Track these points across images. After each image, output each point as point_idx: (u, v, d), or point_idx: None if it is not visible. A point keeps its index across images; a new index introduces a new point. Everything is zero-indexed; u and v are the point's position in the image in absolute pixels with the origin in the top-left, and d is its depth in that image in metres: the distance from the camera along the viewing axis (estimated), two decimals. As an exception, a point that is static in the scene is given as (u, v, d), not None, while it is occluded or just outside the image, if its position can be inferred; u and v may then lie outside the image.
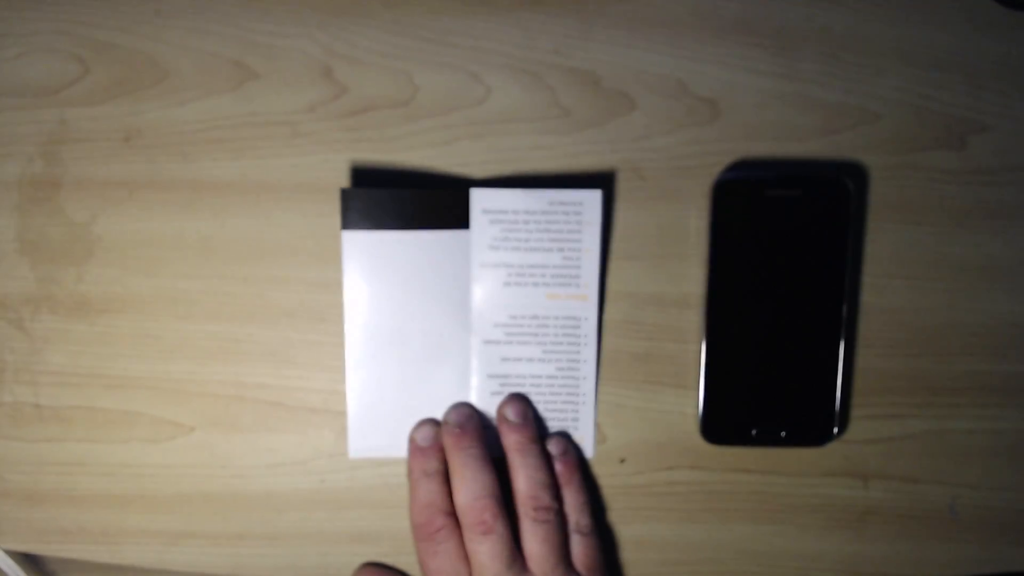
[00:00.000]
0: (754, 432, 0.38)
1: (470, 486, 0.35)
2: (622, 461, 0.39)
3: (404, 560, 0.40)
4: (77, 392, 0.39)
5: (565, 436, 0.39)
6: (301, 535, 0.40)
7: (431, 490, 0.36)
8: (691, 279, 0.38)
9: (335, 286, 0.38)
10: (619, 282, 0.38)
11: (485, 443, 0.37)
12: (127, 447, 0.39)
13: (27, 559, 0.43)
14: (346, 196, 0.36)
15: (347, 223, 0.37)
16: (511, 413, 0.37)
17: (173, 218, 0.39)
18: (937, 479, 0.39)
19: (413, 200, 0.37)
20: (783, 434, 0.38)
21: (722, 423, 0.38)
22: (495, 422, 0.38)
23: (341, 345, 0.38)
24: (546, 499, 0.36)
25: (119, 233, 0.39)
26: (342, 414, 0.39)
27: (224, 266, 0.39)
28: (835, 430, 0.38)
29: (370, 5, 0.38)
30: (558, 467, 0.37)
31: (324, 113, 0.38)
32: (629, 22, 0.38)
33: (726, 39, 0.38)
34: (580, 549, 0.36)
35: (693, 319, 0.38)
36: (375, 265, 0.37)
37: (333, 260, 0.38)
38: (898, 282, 0.38)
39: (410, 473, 0.37)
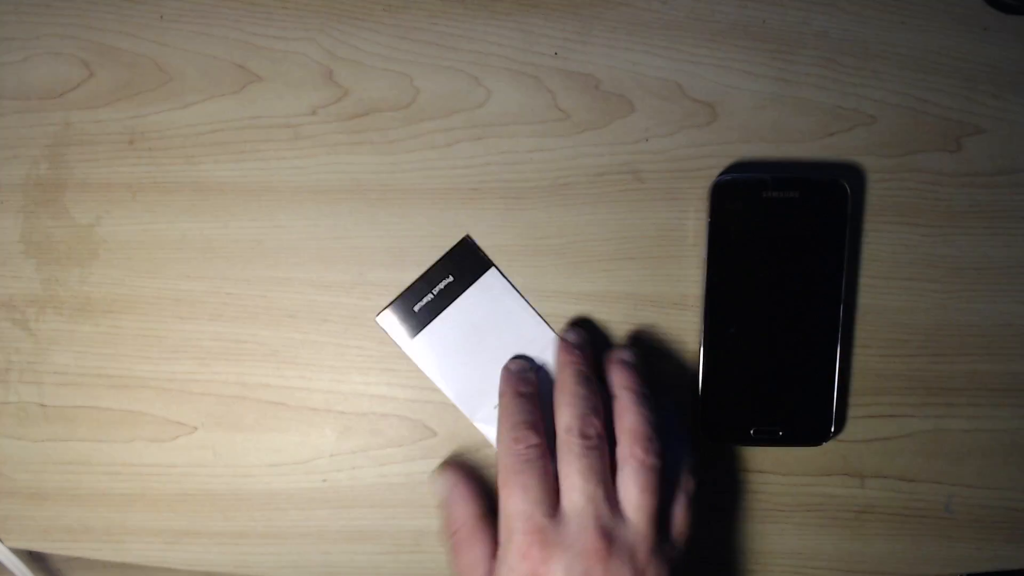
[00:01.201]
0: (752, 432, 0.38)
1: (579, 403, 0.34)
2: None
3: (404, 558, 0.40)
4: (81, 392, 0.40)
5: None
6: (303, 534, 0.40)
7: (523, 409, 0.35)
8: (689, 280, 0.39)
9: (337, 287, 0.39)
10: (618, 283, 0.39)
11: (595, 368, 0.36)
12: (131, 446, 0.40)
13: (32, 557, 0.43)
14: None
15: None
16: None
17: (176, 220, 0.39)
18: (933, 478, 0.39)
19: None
20: (781, 434, 0.38)
21: (720, 422, 0.38)
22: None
23: (343, 345, 0.39)
24: (659, 446, 0.32)
25: (123, 234, 0.39)
26: (343, 414, 0.39)
27: (227, 267, 0.39)
28: (832, 430, 0.38)
29: (371, 9, 0.38)
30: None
31: (326, 116, 0.38)
32: (628, 26, 0.38)
33: (724, 42, 0.38)
34: (680, 511, 0.34)
35: (692, 320, 0.39)
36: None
37: (334, 261, 0.39)
38: (895, 283, 0.39)
39: (501, 396, 0.37)
